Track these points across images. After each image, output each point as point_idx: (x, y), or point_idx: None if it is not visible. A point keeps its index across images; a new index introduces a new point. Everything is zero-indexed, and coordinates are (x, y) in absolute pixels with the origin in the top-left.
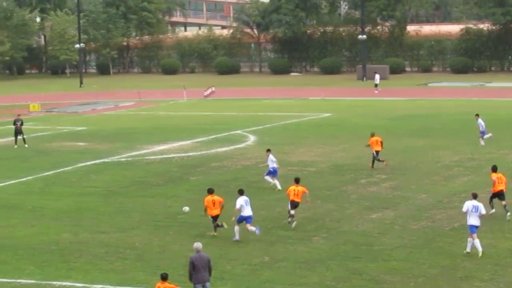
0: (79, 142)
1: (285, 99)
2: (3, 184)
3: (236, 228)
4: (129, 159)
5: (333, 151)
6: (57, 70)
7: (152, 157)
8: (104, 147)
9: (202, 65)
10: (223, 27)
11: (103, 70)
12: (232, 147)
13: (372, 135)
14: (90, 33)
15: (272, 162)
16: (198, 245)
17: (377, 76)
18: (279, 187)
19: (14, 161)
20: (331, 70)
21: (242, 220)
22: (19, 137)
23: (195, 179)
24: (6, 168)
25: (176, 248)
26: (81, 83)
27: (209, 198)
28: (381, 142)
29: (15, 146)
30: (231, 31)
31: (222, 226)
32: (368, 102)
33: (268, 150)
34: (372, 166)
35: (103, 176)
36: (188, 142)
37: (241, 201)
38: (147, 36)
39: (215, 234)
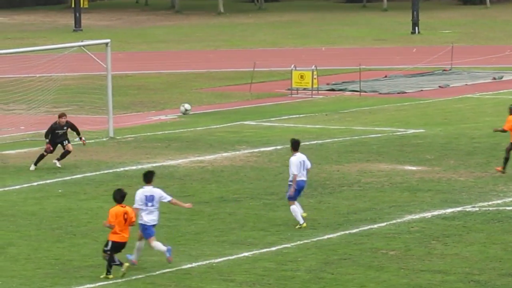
0: (404, 164)
1: None
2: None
3: (138, 245)
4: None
5: None
6: None
7: None
8: (466, 180)
9: None
10: None
11: None
12: None
13: None
14: None
15: (297, 167)
16: None
17: None
18: (301, 222)
19: (251, 212)
20: None
21: (149, 233)
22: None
23: None
24: (217, 231)
25: None
26: (415, 25)
27: (118, 209)
28: None
29: (32, 168)
30: None
31: (120, 265)
32: None
33: (296, 144)
34: None
35: (463, 248)
36: None
37: (141, 195)
38: None
39: (108, 276)
